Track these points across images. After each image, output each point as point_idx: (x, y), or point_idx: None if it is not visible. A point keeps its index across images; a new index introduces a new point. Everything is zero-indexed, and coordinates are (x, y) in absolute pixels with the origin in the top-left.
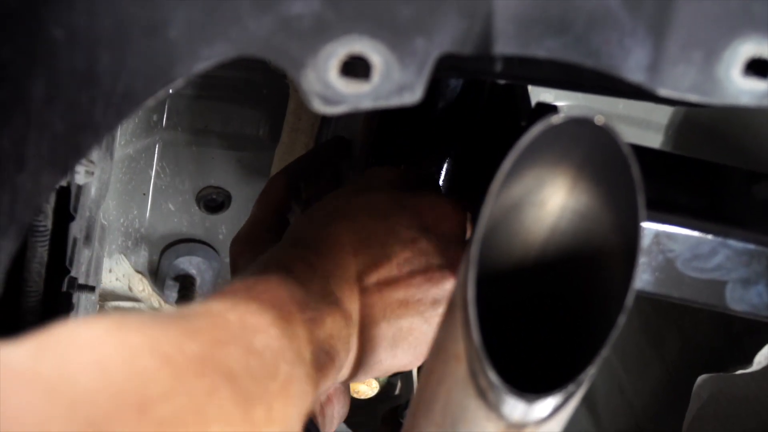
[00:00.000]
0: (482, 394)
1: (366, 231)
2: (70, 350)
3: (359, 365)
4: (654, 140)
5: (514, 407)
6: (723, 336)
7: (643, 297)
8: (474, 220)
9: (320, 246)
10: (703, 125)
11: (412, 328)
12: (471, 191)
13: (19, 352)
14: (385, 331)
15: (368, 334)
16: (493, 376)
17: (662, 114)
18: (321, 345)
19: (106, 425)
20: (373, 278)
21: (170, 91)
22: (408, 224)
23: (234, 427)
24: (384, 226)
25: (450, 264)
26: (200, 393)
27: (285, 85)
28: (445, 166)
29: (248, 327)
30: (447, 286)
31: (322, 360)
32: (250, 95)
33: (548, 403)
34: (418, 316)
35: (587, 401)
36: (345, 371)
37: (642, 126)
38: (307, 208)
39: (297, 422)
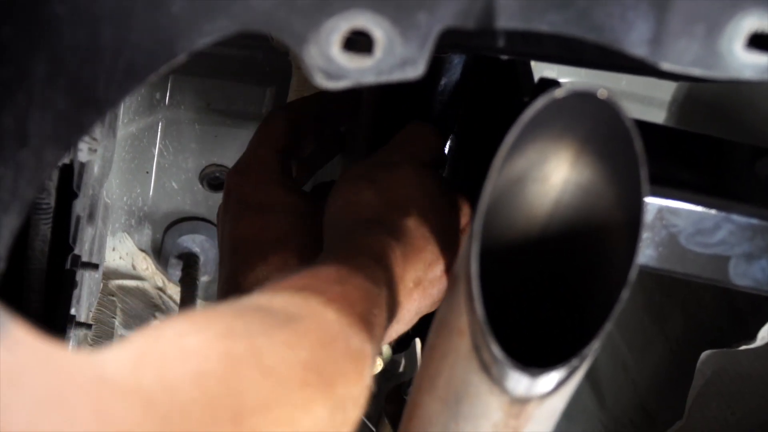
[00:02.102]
0: (486, 368)
1: (429, 226)
2: (172, 360)
3: None
4: (657, 117)
5: (518, 381)
6: (726, 312)
7: (646, 274)
8: (475, 203)
9: (401, 236)
10: (706, 101)
11: (422, 313)
12: (474, 168)
13: (121, 361)
14: (411, 318)
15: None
16: (496, 350)
17: (665, 90)
18: (380, 344)
19: None
20: (426, 277)
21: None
22: (455, 224)
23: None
24: (441, 224)
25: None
26: (298, 404)
27: (287, 63)
28: (449, 143)
29: (345, 326)
30: None
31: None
32: (253, 73)
33: (552, 378)
34: (433, 305)
35: (590, 379)
36: None
37: (645, 102)
38: (306, 165)
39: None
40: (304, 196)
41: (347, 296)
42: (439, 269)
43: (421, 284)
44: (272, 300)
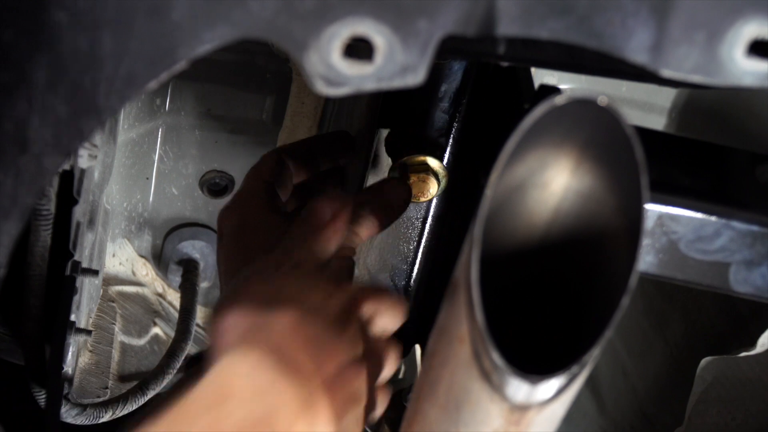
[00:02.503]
0: (486, 375)
1: (312, 329)
2: None
3: None
4: (657, 123)
5: (518, 388)
6: (727, 318)
7: (646, 279)
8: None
9: (282, 345)
10: (706, 108)
11: (350, 424)
12: (474, 174)
13: None
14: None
15: None
16: (496, 357)
17: (665, 97)
18: None
19: None
20: (320, 378)
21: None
22: (341, 316)
23: None
24: (324, 320)
25: (371, 352)
26: None
27: (288, 69)
28: (449, 149)
29: None
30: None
31: None
32: (253, 79)
33: (552, 385)
34: (358, 408)
35: (591, 384)
36: None
37: (645, 109)
38: (303, 196)
39: None
40: (288, 214)
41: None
42: (331, 373)
43: (315, 392)
44: None
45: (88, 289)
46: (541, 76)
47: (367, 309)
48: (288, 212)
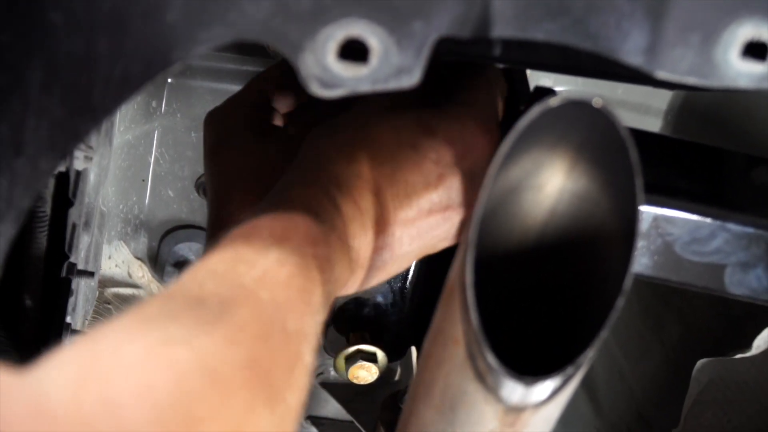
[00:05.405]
0: (481, 377)
1: (391, 165)
2: (116, 375)
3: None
4: (653, 125)
5: (513, 390)
6: (722, 320)
7: (642, 282)
8: (470, 212)
9: (345, 182)
10: (702, 110)
11: (420, 251)
12: None
13: (62, 384)
14: (399, 260)
15: (384, 260)
16: (491, 359)
17: (661, 99)
18: (333, 303)
19: None
20: (393, 217)
21: (169, 80)
22: (436, 158)
23: (264, 429)
24: (410, 160)
25: (469, 201)
26: (242, 407)
27: None
28: None
29: (280, 306)
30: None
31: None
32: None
33: (547, 386)
34: (429, 248)
35: (587, 387)
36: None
37: (641, 111)
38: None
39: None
40: (274, 140)
41: (281, 266)
42: (406, 215)
43: (383, 227)
44: (203, 287)
45: (84, 291)
46: (537, 79)
47: (479, 155)
48: (282, 135)
